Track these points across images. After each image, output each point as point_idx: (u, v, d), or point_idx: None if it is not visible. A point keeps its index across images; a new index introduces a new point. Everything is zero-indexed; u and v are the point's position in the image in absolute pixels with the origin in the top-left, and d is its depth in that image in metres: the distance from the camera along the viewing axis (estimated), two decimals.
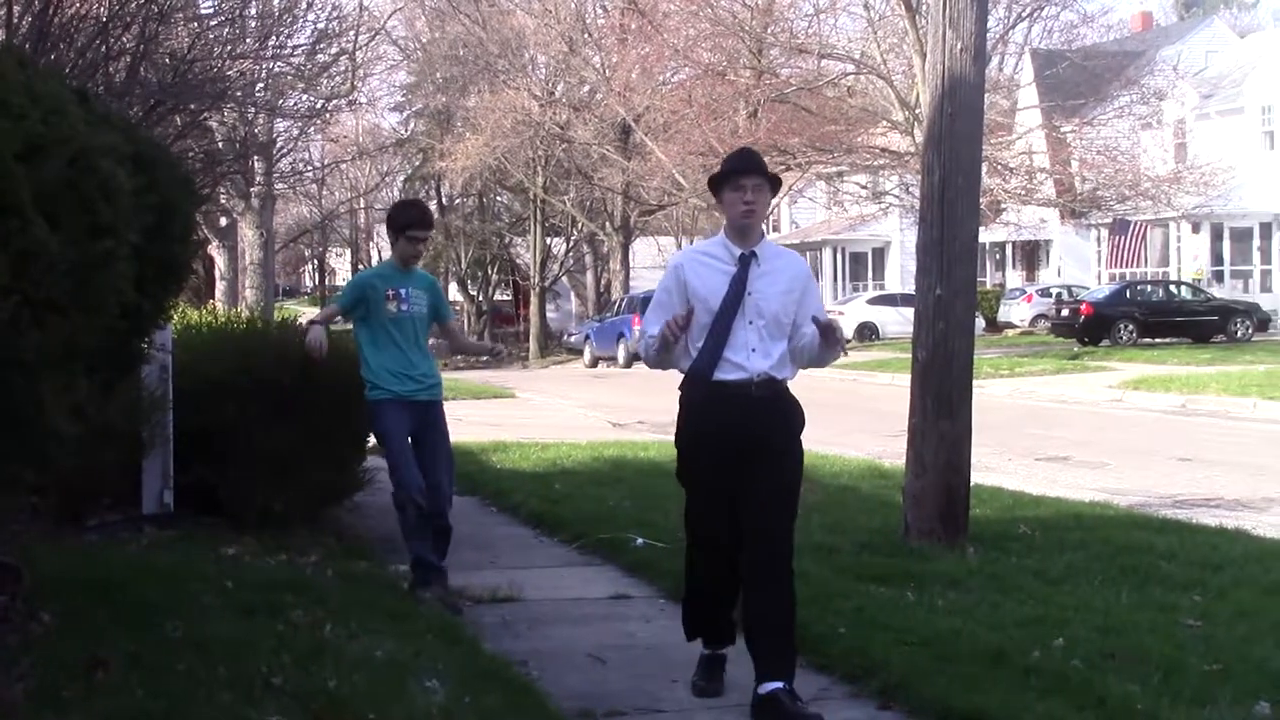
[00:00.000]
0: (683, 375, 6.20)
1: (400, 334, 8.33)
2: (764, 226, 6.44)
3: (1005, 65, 46.21)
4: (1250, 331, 39.73)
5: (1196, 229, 45.46)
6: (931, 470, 9.57)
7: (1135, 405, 24.25)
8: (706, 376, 6.06)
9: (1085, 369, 31.44)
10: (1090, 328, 39.42)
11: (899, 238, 55.33)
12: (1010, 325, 50.59)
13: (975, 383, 10.25)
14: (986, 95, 31.21)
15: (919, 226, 9.97)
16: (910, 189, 36.68)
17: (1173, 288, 42.50)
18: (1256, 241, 45.90)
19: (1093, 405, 24.55)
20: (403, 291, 8.36)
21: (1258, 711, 5.79)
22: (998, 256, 58.17)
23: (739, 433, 6.03)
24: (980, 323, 45.05)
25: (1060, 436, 19.10)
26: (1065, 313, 42.06)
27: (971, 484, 9.94)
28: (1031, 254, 57.31)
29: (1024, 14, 39.60)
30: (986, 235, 47.45)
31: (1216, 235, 45.72)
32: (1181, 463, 15.86)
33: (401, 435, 8.28)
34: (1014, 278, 57.47)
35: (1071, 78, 40.00)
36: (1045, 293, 50.06)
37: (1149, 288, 42.48)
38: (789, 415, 6.19)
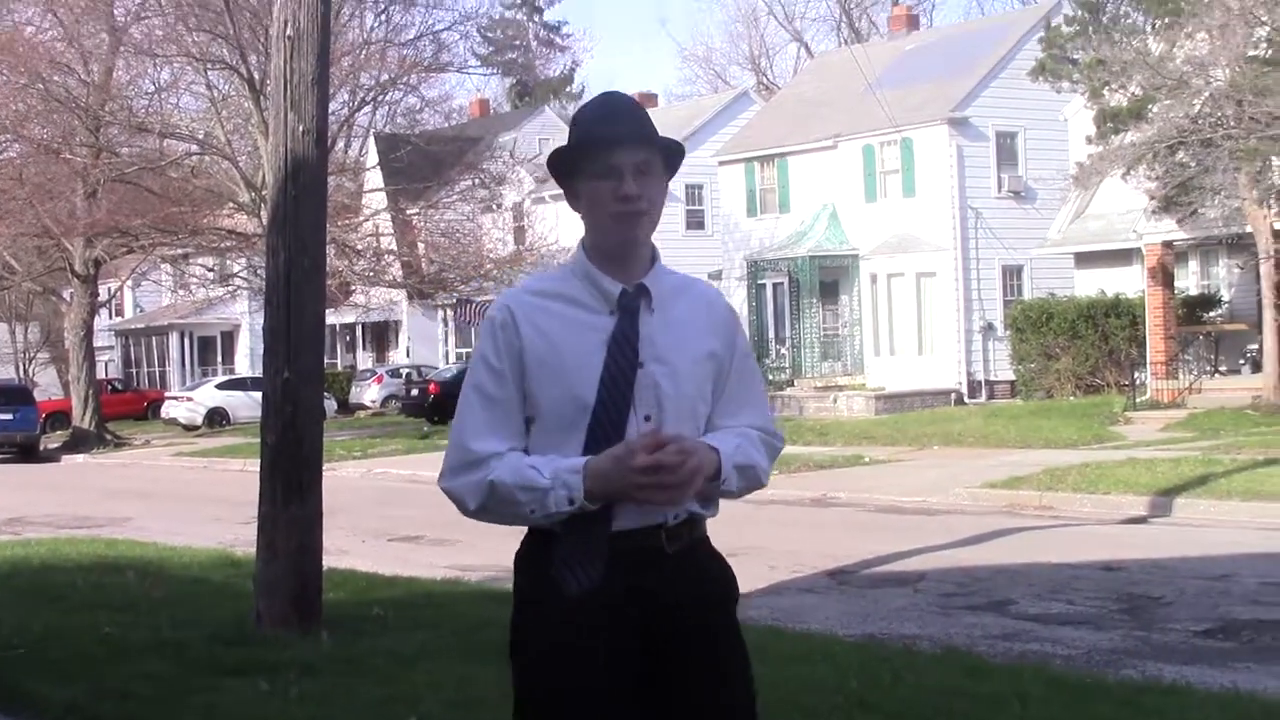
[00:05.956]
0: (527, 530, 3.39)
1: None
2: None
3: (351, 148, 46.86)
4: None
5: None
6: (283, 556, 9.44)
7: None
8: (599, 528, 3.26)
9: (436, 448, 32.06)
10: (439, 406, 40.36)
11: (248, 320, 54.75)
12: (362, 406, 50.99)
13: (327, 465, 10.23)
14: (333, 178, 31.60)
15: (265, 309, 9.86)
16: (258, 271, 36.37)
17: None
18: None
19: None
20: None
21: None
22: (348, 338, 58.60)
23: (649, 622, 3.30)
24: (332, 405, 45.28)
25: (413, 516, 19.35)
26: (415, 392, 42.92)
27: (325, 568, 9.89)
28: (382, 335, 58.12)
29: (368, 98, 40.36)
30: (336, 317, 47.85)
31: None
32: None
33: None
34: (365, 359, 58.06)
35: (416, 161, 41.02)
36: (395, 373, 50.85)
37: None
38: (721, 578, 3.50)
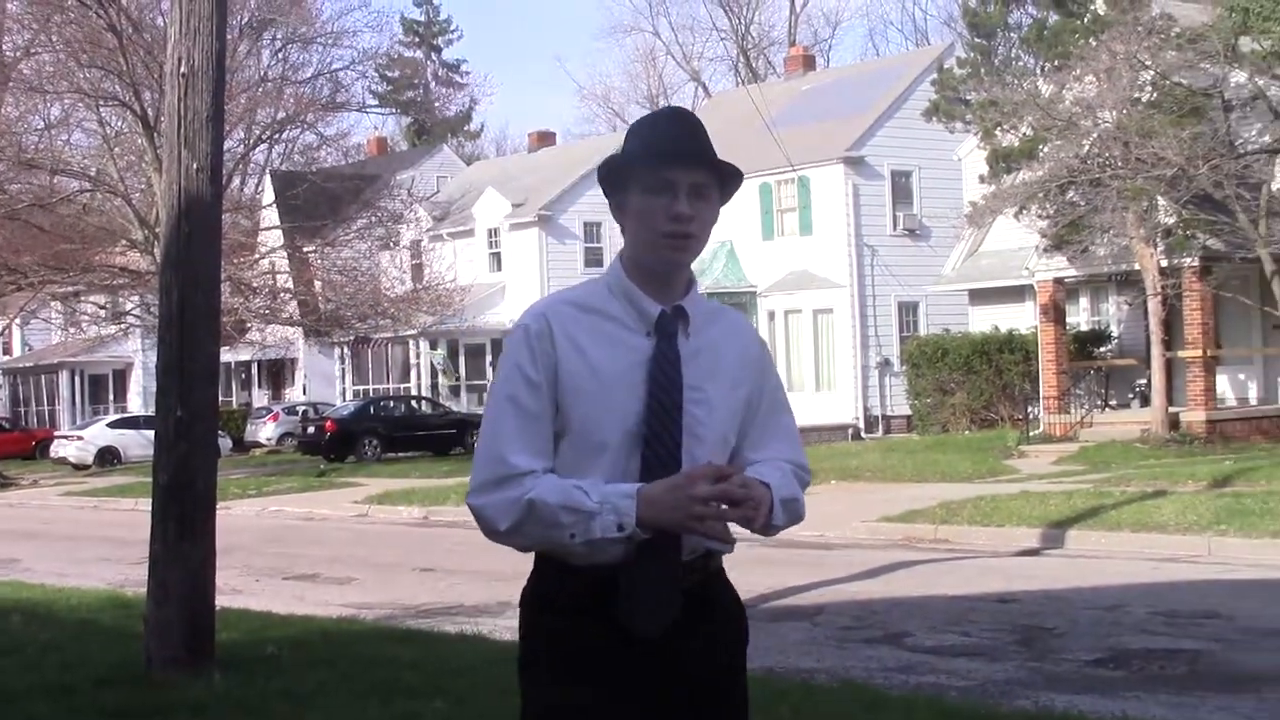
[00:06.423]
0: (543, 559, 3.25)
1: None
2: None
3: (247, 185, 46.51)
4: None
5: (435, 345, 47.39)
6: (175, 597, 9.30)
7: (380, 519, 24.78)
8: (672, 561, 3.15)
9: (332, 485, 31.81)
10: (336, 444, 40.05)
11: (141, 358, 54.06)
12: (258, 444, 50.44)
13: (222, 504, 10.11)
14: (228, 215, 31.32)
15: (159, 347, 9.74)
16: (152, 309, 35.95)
17: (414, 402, 44.06)
18: (489, 357, 48.44)
19: (340, 522, 24.85)
20: None
21: None
22: (243, 376, 58.01)
23: (664, 659, 3.18)
24: (227, 443, 44.71)
25: (309, 554, 19.16)
26: (311, 430, 42.54)
27: (219, 607, 9.76)
28: (278, 373, 57.59)
29: (264, 136, 40.10)
30: (231, 355, 47.36)
31: (453, 352, 47.83)
32: (424, 573, 16.33)
33: None
34: (260, 396, 57.47)
35: (312, 199, 40.79)
36: (291, 411, 50.38)
37: (391, 403, 43.80)
38: (735, 615, 3.37)
